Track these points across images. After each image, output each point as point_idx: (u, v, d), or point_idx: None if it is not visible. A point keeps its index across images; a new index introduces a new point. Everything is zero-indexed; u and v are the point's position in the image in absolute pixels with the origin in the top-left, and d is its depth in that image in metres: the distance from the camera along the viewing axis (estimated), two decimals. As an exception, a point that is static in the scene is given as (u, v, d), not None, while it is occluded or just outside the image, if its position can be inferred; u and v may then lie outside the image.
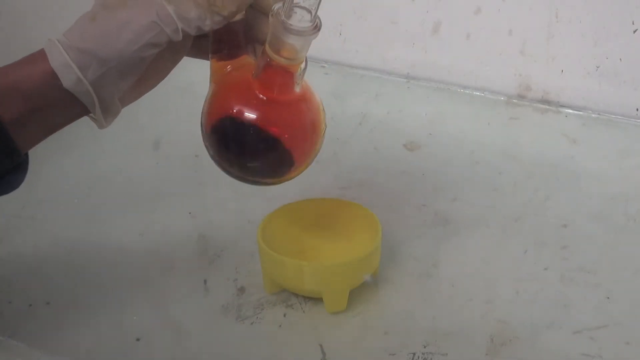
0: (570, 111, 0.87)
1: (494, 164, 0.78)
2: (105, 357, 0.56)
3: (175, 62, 0.55)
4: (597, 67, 0.85)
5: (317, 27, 0.49)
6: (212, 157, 0.55)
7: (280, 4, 0.49)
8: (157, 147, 0.81)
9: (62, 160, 0.79)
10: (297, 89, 0.53)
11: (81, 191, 0.74)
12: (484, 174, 0.77)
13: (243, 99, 0.52)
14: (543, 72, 0.87)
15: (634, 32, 0.81)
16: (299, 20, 0.48)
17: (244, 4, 0.50)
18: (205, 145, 0.55)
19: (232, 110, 0.52)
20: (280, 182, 0.55)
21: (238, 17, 0.51)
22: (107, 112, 0.51)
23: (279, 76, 0.51)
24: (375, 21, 0.93)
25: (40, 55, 0.48)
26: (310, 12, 0.48)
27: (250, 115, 0.51)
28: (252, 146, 0.52)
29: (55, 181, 0.76)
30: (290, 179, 0.55)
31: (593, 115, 0.86)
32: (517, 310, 0.60)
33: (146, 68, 0.51)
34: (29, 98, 0.48)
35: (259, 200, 0.70)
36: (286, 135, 0.52)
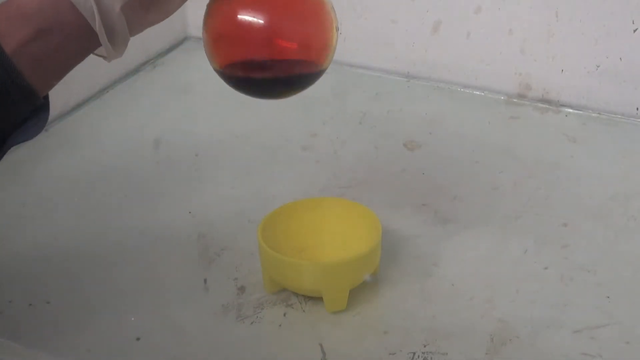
0: (571, 110, 0.87)
1: (494, 163, 0.78)
2: (105, 357, 0.56)
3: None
4: (597, 66, 0.85)
5: None
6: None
7: None
8: (157, 147, 0.81)
9: (62, 160, 0.78)
10: None
11: (81, 190, 0.74)
12: (484, 173, 0.77)
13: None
14: (543, 71, 0.87)
15: (634, 31, 0.81)
16: None
17: None
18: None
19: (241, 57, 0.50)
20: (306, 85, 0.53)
21: None
22: (113, 33, 0.49)
23: None
24: (376, 20, 0.93)
25: None
26: None
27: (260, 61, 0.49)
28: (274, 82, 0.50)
29: (56, 180, 0.76)
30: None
31: (593, 114, 0.86)
32: (517, 310, 0.60)
33: None
34: (32, 19, 0.46)
35: (259, 200, 0.71)
36: (299, 45, 0.50)
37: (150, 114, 0.86)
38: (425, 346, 0.56)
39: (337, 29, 0.52)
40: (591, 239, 0.67)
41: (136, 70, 0.95)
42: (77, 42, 0.49)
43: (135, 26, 0.51)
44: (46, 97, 0.50)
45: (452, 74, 0.91)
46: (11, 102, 0.46)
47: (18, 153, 0.78)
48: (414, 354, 0.56)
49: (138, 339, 0.57)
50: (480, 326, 0.58)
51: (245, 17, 0.49)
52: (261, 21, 0.49)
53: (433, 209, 0.71)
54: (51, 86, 0.50)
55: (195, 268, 0.64)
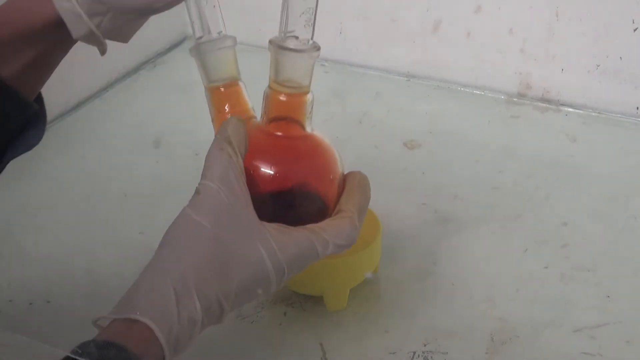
0: (571, 109, 0.87)
1: (494, 163, 0.78)
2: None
3: None
4: (598, 65, 0.85)
5: (316, 47, 0.49)
6: None
7: (275, 36, 0.49)
8: (157, 146, 0.81)
9: (62, 159, 0.79)
10: (309, 129, 0.52)
11: (81, 190, 0.74)
12: (484, 172, 0.77)
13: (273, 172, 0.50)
14: (543, 71, 0.87)
15: (634, 30, 0.81)
16: (295, 44, 0.48)
17: None
18: None
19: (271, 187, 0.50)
20: None
21: None
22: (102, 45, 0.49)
23: (289, 119, 0.50)
24: (376, 20, 0.93)
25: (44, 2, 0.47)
26: (306, 39, 0.48)
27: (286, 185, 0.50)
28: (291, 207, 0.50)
29: (56, 180, 0.76)
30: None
31: (593, 113, 0.86)
32: (517, 309, 0.60)
33: None
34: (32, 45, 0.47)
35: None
36: (310, 174, 0.51)
37: (150, 114, 0.86)
38: (425, 345, 0.57)
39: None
40: (591, 239, 0.67)
41: (136, 70, 0.96)
42: (64, 45, 0.49)
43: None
44: (42, 105, 0.50)
45: (452, 74, 0.91)
46: (5, 118, 0.47)
47: (18, 153, 0.79)
48: (414, 353, 0.56)
49: (138, 338, 0.57)
50: (480, 325, 0.58)
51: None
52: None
53: (433, 208, 0.71)
54: (37, 88, 0.50)
55: (196, 267, 0.64)
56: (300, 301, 0.60)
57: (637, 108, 0.85)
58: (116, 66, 0.94)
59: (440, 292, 0.62)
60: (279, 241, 0.46)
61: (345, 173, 0.53)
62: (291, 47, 0.48)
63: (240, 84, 0.55)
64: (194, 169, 0.77)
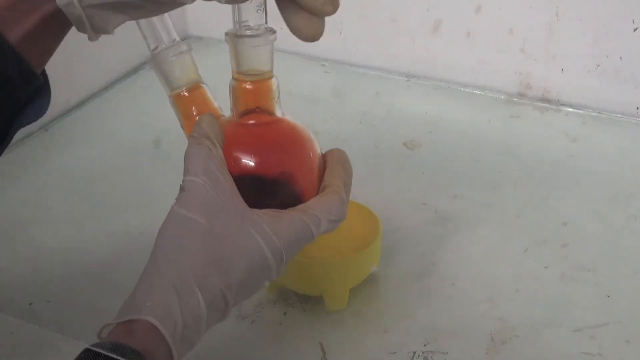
0: (571, 109, 0.87)
1: (494, 163, 0.78)
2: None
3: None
4: (598, 65, 0.85)
5: (270, 31, 0.49)
6: None
7: (230, 28, 0.50)
8: (157, 146, 0.81)
9: (62, 159, 0.79)
10: (279, 112, 0.52)
11: (81, 189, 0.74)
12: (484, 172, 0.77)
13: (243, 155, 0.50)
14: (543, 71, 0.87)
15: (634, 30, 0.81)
16: (251, 31, 0.49)
17: None
18: None
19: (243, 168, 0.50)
20: None
21: None
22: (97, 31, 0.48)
23: (258, 110, 0.51)
24: (376, 19, 0.93)
25: None
26: (259, 25, 0.49)
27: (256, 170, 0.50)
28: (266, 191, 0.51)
29: (56, 180, 0.76)
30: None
31: (593, 113, 0.86)
32: (517, 309, 0.60)
33: None
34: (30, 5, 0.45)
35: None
36: (287, 158, 0.51)
37: (150, 114, 0.86)
38: (425, 345, 0.57)
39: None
40: (591, 238, 0.67)
41: (136, 70, 0.95)
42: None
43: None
44: (46, 79, 0.49)
45: (452, 73, 0.91)
46: (12, 85, 0.46)
47: (18, 153, 0.79)
48: (414, 353, 0.56)
49: (138, 338, 0.57)
50: (480, 325, 0.58)
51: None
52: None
53: (433, 208, 0.71)
54: (45, 59, 0.49)
55: (196, 267, 0.64)
56: (300, 301, 0.60)
57: (637, 108, 0.85)
58: (116, 66, 0.94)
59: (440, 292, 0.62)
60: (273, 226, 0.46)
61: (323, 152, 0.54)
62: (247, 34, 0.49)
63: (203, 85, 0.56)
64: (194, 169, 0.78)
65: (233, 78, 0.51)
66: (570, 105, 0.87)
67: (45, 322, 0.59)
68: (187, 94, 0.55)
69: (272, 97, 0.51)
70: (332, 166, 0.52)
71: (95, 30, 0.47)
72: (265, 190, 0.50)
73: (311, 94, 0.84)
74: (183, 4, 0.48)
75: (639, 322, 0.59)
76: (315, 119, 0.86)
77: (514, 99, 0.89)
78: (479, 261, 0.65)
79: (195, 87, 0.55)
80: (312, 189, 0.51)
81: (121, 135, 0.83)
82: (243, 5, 0.48)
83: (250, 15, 0.49)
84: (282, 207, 0.48)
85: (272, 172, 0.50)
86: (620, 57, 0.83)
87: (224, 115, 0.55)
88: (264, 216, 0.46)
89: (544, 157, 0.79)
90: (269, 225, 0.46)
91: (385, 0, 0.92)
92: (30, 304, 0.60)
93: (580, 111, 0.87)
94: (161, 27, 0.54)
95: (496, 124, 0.85)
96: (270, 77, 0.51)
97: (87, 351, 0.41)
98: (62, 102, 0.85)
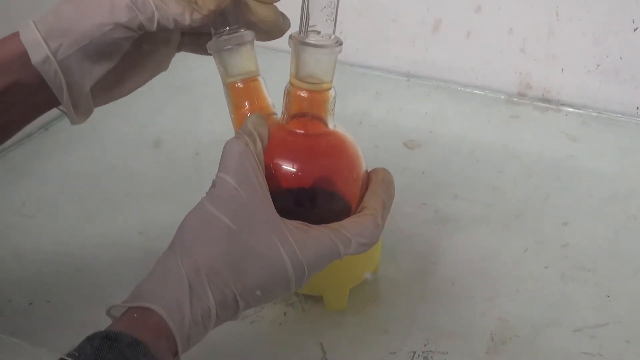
0: (571, 109, 0.87)
1: (494, 162, 0.78)
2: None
3: (158, 64, 0.54)
4: (598, 65, 0.85)
5: (338, 42, 0.48)
6: None
7: (296, 31, 0.48)
8: (157, 146, 0.81)
9: (62, 159, 0.78)
10: (331, 125, 0.51)
11: (81, 190, 0.74)
12: (484, 172, 0.77)
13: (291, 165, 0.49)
14: (543, 71, 0.87)
15: (634, 30, 0.81)
16: (317, 40, 0.47)
17: (223, 3, 0.49)
18: None
19: (287, 183, 0.49)
20: None
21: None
22: (77, 106, 0.50)
23: (311, 115, 0.50)
24: (376, 19, 0.93)
25: (15, 35, 0.47)
26: (328, 34, 0.47)
27: (303, 183, 0.49)
28: (311, 203, 0.50)
29: (56, 180, 0.76)
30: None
31: (593, 113, 0.86)
32: (517, 309, 0.60)
33: (127, 63, 0.49)
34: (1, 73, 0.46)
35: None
36: (333, 172, 0.50)
37: (150, 114, 0.86)
38: (425, 345, 0.56)
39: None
40: (591, 238, 0.67)
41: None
42: (37, 102, 0.49)
43: (100, 101, 0.52)
44: None
45: (452, 73, 0.91)
46: None
47: (18, 153, 0.79)
48: (414, 353, 0.56)
49: (138, 338, 0.57)
50: (480, 325, 0.58)
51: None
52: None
53: (433, 208, 0.71)
54: (5, 139, 0.50)
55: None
56: (300, 301, 0.60)
57: (637, 108, 0.85)
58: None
59: (440, 292, 0.62)
60: (299, 240, 0.45)
61: (368, 170, 0.53)
62: (312, 42, 0.47)
63: (260, 79, 0.54)
64: (194, 169, 0.78)
65: (290, 82, 0.49)
66: (570, 105, 0.87)
67: (45, 322, 0.58)
68: (241, 86, 0.53)
69: (327, 108, 0.50)
70: (374, 187, 0.52)
71: (71, 89, 0.48)
72: (303, 202, 0.49)
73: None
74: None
75: (639, 322, 0.59)
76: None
77: (514, 99, 0.89)
78: (479, 261, 0.65)
79: (251, 80, 0.54)
80: (351, 207, 0.50)
81: (121, 135, 0.83)
82: (312, 9, 0.47)
83: (320, 21, 0.47)
84: (316, 221, 0.47)
85: (311, 186, 0.49)
86: (621, 57, 0.83)
87: (275, 114, 0.54)
88: (292, 228, 0.46)
89: (544, 157, 0.79)
90: (295, 238, 0.45)
91: (385, 0, 0.92)
92: (30, 303, 0.60)
93: (580, 111, 0.87)
94: (230, 12, 0.52)
95: (496, 124, 0.85)
96: (329, 88, 0.50)
97: (89, 339, 0.41)
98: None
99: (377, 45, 0.95)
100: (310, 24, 0.47)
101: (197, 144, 0.82)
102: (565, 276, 0.63)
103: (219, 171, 0.47)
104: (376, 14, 0.93)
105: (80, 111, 0.50)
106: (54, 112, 0.52)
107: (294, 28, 0.50)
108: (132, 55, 0.51)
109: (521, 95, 0.89)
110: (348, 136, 0.52)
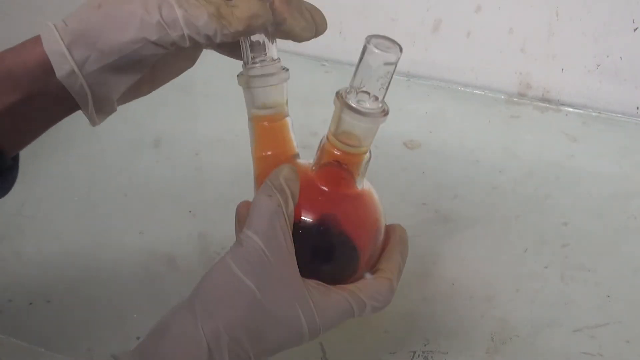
0: (571, 109, 0.87)
1: (494, 162, 0.78)
2: (105, 356, 0.56)
3: (181, 68, 0.52)
4: (598, 65, 0.85)
5: (385, 112, 0.47)
6: None
7: (345, 87, 0.47)
8: (157, 146, 0.81)
9: (62, 159, 0.78)
10: (360, 185, 0.50)
11: (81, 190, 0.74)
12: (484, 172, 0.77)
13: (312, 207, 0.49)
14: (543, 70, 0.87)
15: (635, 30, 0.81)
16: (363, 106, 0.46)
17: (253, 28, 0.45)
18: None
19: (305, 220, 0.48)
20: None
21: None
22: (101, 111, 0.48)
23: (341, 168, 0.49)
24: (376, 19, 0.93)
25: (36, 40, 0.45)
26: (377, 97, 0.46)
27: (323, 223, 0.49)
28: (327, 251, 0.49)
29: (56, 180, 0.76)
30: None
31: (593, 113, 0.86)
32: (517, 309, 0.60)
33: (154, 67, 0.48)
34: (20, 86, 0.45)
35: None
36: (356, 234, 0.50)
37: (150, 114, 0.86)
38: (425, 345, 0.56)
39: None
40: (591, 238, 0.67)
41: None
42: (61, 110, 0.48)
43: (123, 101, 0.51)
44: (15, 159, 0.49)
45: (452, 73, 0.91)
46: None
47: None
48: (414, 352, 0.56)
49: (138, 337, 0.57)
50: (480, 325, 0.58)
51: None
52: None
53: (433, 208, 0.71)
54: (20, 148, 0.49)
55: (196, 267, 0.64)
56: (300, 301, 0.60)
57: (637, 108, 0.85)
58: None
59: (440, 292, 0.62)
60: (319, 304, 0.45)
61: (386, 224, 0.53)
62: (359, 108, 0.46)
63: (288, 119, 0.52)
64: (193, 169, 0.78)
65: (327, 137, 0.48)
66: (570, 105, 0.87)
67: (45, 322, 0.59)
68: (267, 124, 0.51)
69: (360, 170, 0.49)
70: (390, 249, 0.52)
71: (97, 100, 0.46)
72: (325, 259, 0.49)
73: (311, 93, 0.84)
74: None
75: (639, 322, 0.59)
76: (315, 119, 0.86)
77: (514, 99, 0.89)
78: (479, 261, 0.65)
79: (278, 117, 0.51)
80: (369, 266, 0.51)
81: (121, 135, 0.83)
82: (369, 78, 0.46)
83: (373, 89, 0.46)
84: (333, 279, 0.48)
85: (334, 246, 0.49)
86: (621, 57, 0.83)
87: (298, 155, 0.53)
88: (313, 290, 0.46)
89: (544, 157, 0.79)
90: (315, 301, 0.45)
91: (385, 0, 0.92)
92: (30, 303, 0.60)
93: (581, 111, 0.87)
94: (267, 41, 0.50)
95: (496, 124, 0.85)
96: (365, 152, 0.49)
97: None
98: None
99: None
100: (361, 85, 0.46)
101: (197, 144, 0.82)
102: (565, 276, 0.63)
103: (247, 228, 0.45)
104: (376, 13, 0.93)
105: (102, 114, 0.49)
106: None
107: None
108: (159, 60, 0.48)
109: (521, 95, 0.89)
110: (374, 195, 0.52)
